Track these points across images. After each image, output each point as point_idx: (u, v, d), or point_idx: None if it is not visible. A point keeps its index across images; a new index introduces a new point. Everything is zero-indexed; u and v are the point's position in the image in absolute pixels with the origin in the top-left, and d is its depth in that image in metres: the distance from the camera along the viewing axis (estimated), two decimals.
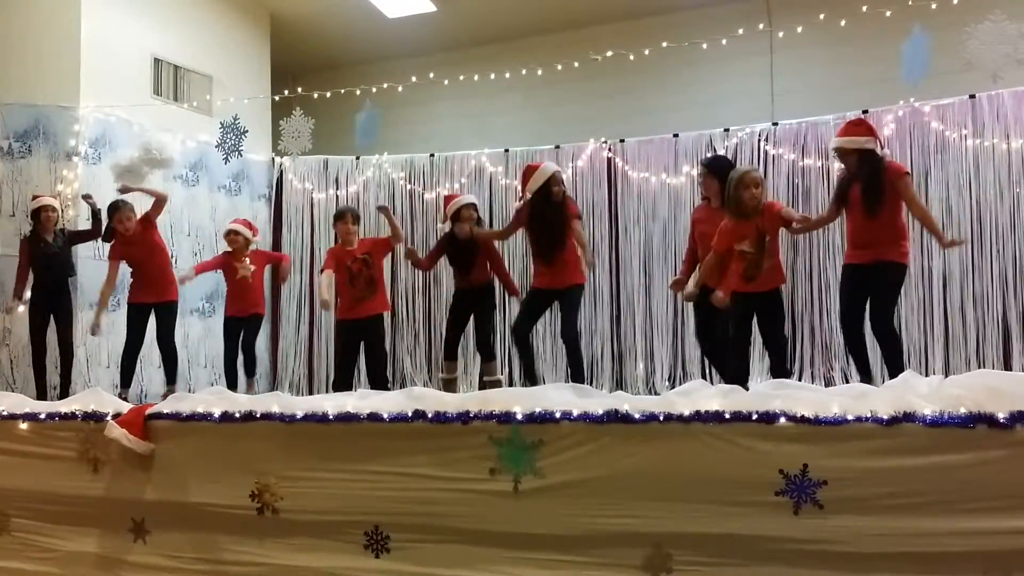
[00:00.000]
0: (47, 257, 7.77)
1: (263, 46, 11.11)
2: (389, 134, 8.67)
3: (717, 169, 6.43)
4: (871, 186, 5.68)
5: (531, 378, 6.90)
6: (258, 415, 4.33)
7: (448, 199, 7.63)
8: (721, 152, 9.44)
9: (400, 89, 9.37)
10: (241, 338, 8.04)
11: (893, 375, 5.13)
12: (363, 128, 8.27)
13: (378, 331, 7.23)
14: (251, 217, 10.39)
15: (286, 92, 9.71)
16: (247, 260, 8.05)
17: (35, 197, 8.04)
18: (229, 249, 8.14)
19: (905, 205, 5.79)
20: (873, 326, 5.81)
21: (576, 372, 6.63)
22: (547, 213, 6.57)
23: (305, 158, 10.08)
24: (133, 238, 7.64)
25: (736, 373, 5.68)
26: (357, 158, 10.84)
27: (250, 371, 8.23)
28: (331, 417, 4.14)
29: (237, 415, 4.37)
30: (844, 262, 6.13)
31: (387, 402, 4.14)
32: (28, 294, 7.87)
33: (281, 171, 11.04)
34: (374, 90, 9.06)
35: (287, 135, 8.53)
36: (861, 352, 5.92)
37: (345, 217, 7.32)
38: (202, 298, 9.87)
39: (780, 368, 5.72)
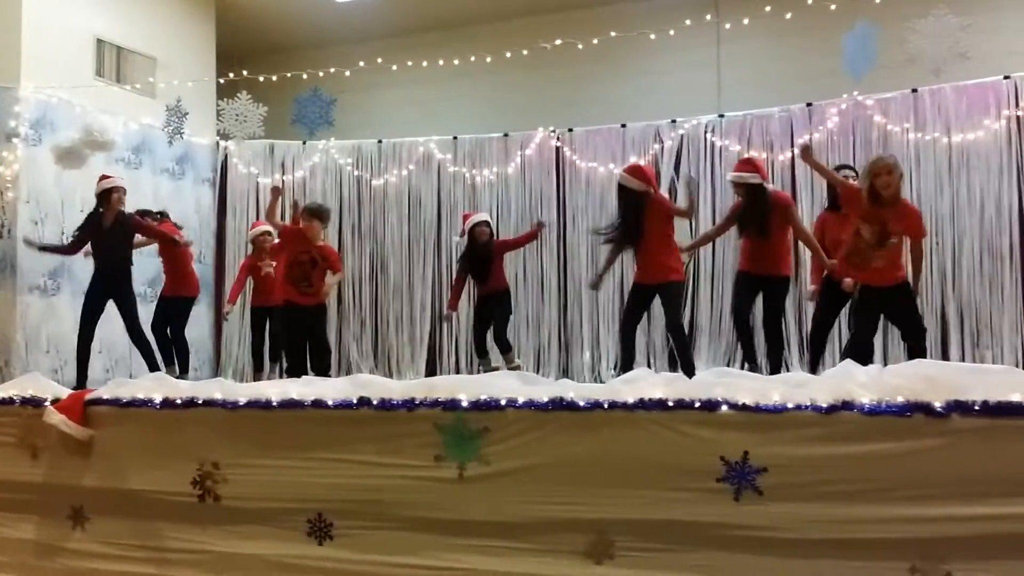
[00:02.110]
0: (103, 242, 7.56)
1: (208, 28, 10.93)
2: (337, 120, 8.58)
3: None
4: (756, 215, 6.58)
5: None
6: (200, 401, 4.28)
7: (466, 217, 8.38)
8: (668, 143, 9.53)
9: (348, 74, 9.30)
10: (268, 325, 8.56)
11: (774, 370, 6.38)
12: (309, 112, 8.20)
13: (320, 321, 7.53)
14: (195, 201, 10.27)
15: (231, 75, 9.58)
16: (267, 258, 8.43)
17: (102, 177, 7.76)
18: (251, 251, 8.66)
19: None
20: (765, 325, 6.79)
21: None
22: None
23: (251, 142, 9.96)
24: None
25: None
26: (304, 143, 10.73)
27: (274, 357, 8.75)
28: (274, 404, 4.11)
29: (178, 401, 4.32)
30: (739, 268, 6.93)
31: (332, 389, 4.11)
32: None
33: (226, 155, 10.89)
34: (321, 75, 8.99)
35: (228, 117, 8.43)
36: (749, 340, 6.82)
37: (323, 217, 7.48)
38: (144, 283, 9.52)
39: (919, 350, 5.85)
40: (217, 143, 10.79)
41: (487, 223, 8.17)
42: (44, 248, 7.94)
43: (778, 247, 6.65)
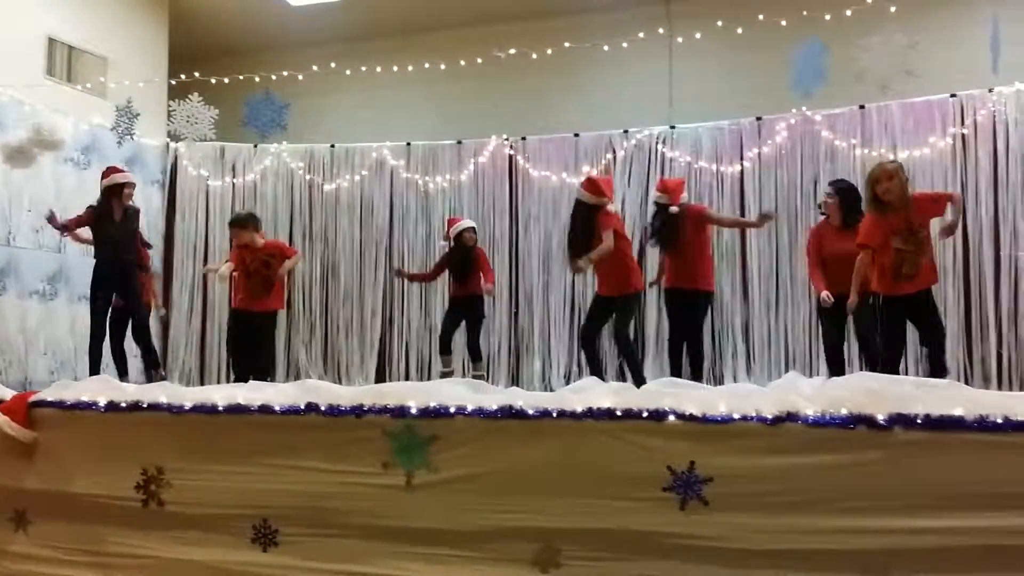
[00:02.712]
0: (112, 237, 7.42)
1: (161, 29, 10.82)
2: (289, 123, 8.53)
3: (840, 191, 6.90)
4: (666, 234, 7.10)
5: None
6: (145, 405, 4.21)
7: (451, 221, 8.67)
8: (620, 153, 9.60)
9: (301, 78, 9.24)
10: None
11: (696, 377, 6.70)
12: (261, 115, 8.15)
13: (268, 326, 7.71)
14: (143, 203, 10.14)
15: (183, 76, 9.47)
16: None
17: (112, 171, 7.62)
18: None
19: (719, 228, 7.27)
20: (688, 341, 7.16)
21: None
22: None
23: (201, 144, 9.86)
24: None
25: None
26: (255, 146, 10.64)
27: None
28: (220, 408, 4.06)
29: (123, 405, 4.24)
30: (665, 286, 7.29)
31: (279, 394, 4.07)
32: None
33: (176, 157, 10.75)
34: (274, 78, 8.93)
35: (179, 118, 8.35)
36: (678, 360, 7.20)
37: (246, 224, 7.61)
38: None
39: (940, 361, 5.78)
40: (167, 145, 10.66)
41: (474, 229, 8.47)
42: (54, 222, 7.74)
43: (700, 262, 7.09)
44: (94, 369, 7.27)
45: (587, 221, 6.73)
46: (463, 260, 8.38)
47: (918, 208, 5.61)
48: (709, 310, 7.79)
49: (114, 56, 10.08)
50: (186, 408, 4.13)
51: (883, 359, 5.85)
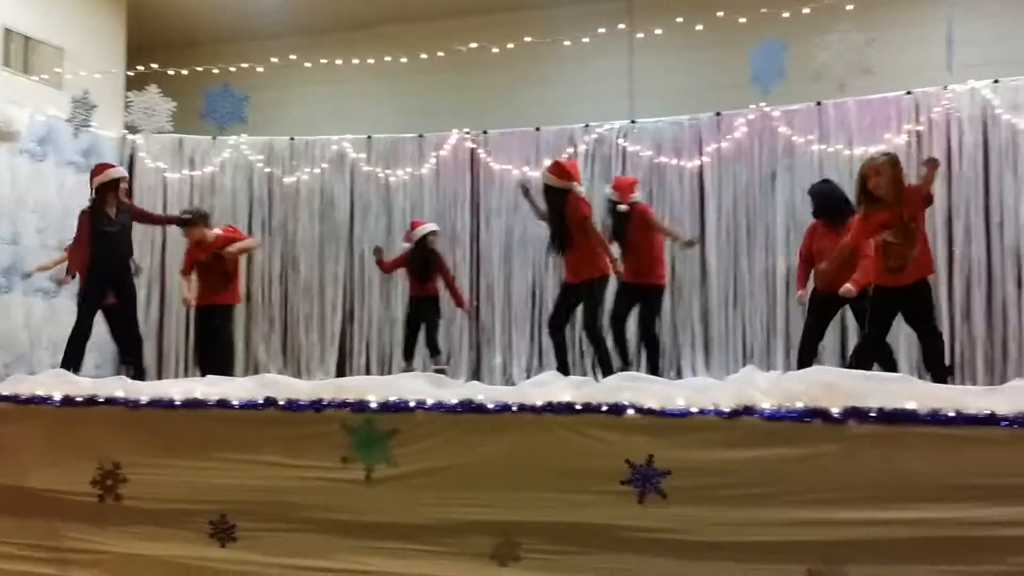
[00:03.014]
0: (109, 234, 7.19)
1: (118, 19, 10.64)
2: (249, 116, 8.43)
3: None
4: (614, 231, 7.31)
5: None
6: (101, 400, 4.18)
7: (414, 224, 8.79)
8: (581, 147, 9.62)
9: (260, 70, 9.15)
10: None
11: (652, 372, 6.86)
12: (220, 107, 8.08)
13: (225, 321, 7.73)
14: None
15: (140, 68, 9.34)
16: None
17: (103, 167, 7.41)
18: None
19: (658, 234, 7.35)
20: (642, 333, 7.43)
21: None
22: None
23: (159, 136, 9.73)
24: None
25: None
26: (214, 139, 10.52)
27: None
28: (178, 403, 4.03)
29: (79, 399, 4.21)
30: (623, 280, 7.27)
31: (237, 388, 4.06)
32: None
33: (133, 149, 10.61)
34: (233, 70, 8.83)
35: (136, 110, 8.24)
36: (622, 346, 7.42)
37: (195, 221, 7.67)
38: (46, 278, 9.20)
39: (940, 361, 5.67)
40: (124, 136, 10.51)
41: (437, 233, 8.68)
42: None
43: (645, 257, 7.24)
44: (73, 368, 7.07)
45: (557, 206, 6.75)
46: (424, 262, 8.51)
47: (909, 201, 5.53)
48: (661, 304, 7.89)
49: (70, 47, 9.90)
50: (143, 403, 4.10)
51: (861, 340, 5.95)
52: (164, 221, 8.49)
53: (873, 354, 5.81)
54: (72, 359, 7.04)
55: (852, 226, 5.79)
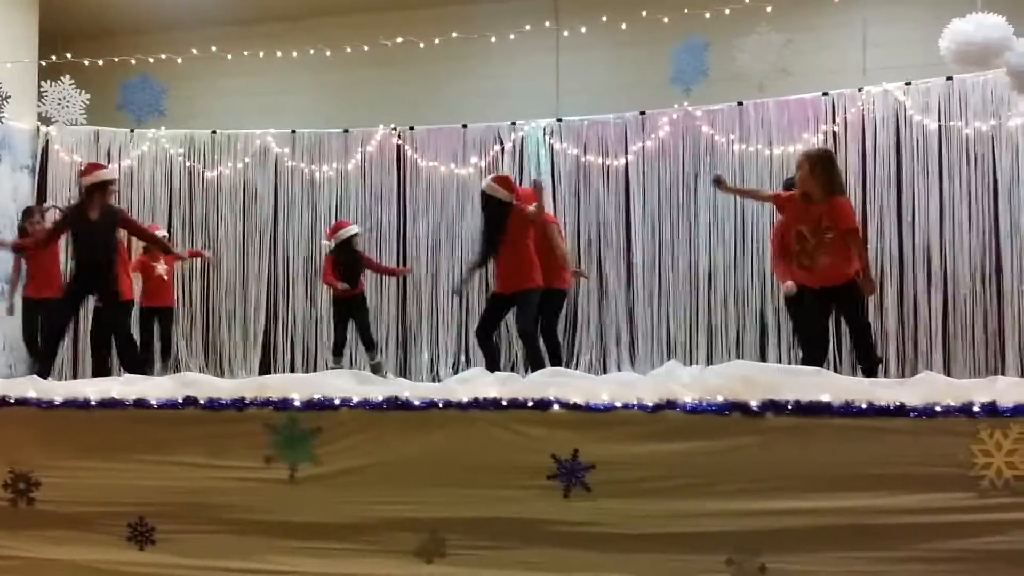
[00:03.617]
0: (86, 236, 7.10)
1: (30, 8, 10.29)
2: (168, 108, 8.28)
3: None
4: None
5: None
6: (12, 400, 4.04)
7: (338, 226, 8.89)
8: (508, 145, 9.64)
9: (180, 61, 8.99)
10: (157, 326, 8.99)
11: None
12: (137, 98, 7.91)
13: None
14: (12, 189, 9.79)
15: (54, 58, 9.08)
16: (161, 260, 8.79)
17: (95, 167, 7.28)
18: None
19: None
20: (546, 337, 7.27)
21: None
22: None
23: (74, 128, 9.48)
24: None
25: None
26: (132, 131, 10.28)
27: (165, 355, 9.10)
28: (93, 403, 3.93)
29: None
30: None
31: (156, 388, 3.97)
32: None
33: (47, 141, 10.31)
34: (151, 60, 8.66)
35: (50, 100, 8.02)
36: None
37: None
38: (2, 280, 9.42)
39: (870, 356, 5.79)
40: (38, 128, 10.20)
41: (359, 234, 8.88)
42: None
43: (523, 261, 6.91)
44: (44, 370, 6.84)
45: (500, 218, 6.75)
46: (351, 265, 8.65)
47: (831, 211, 5.63)
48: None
49: None
50: (56, 403, 3.99)
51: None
52: (152, 241, 8.09)
53: (803, 346, 5.96)
54: (44, 362, 7.04)
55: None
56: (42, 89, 8.08)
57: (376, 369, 8.40)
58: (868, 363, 5.76)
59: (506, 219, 6.75)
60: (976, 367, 8.16)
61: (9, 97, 7.67)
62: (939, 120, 8.44)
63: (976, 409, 3.27)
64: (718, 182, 6.45)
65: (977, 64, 7.43)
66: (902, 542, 3.29)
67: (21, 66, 9.42)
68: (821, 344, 5.95)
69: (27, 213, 8.55)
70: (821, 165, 5.73)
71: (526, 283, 6.77)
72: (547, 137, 9.69)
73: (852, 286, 5.72)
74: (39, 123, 10.03)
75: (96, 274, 7.08)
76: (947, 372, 7.72)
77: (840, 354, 8.37)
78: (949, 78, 8.34)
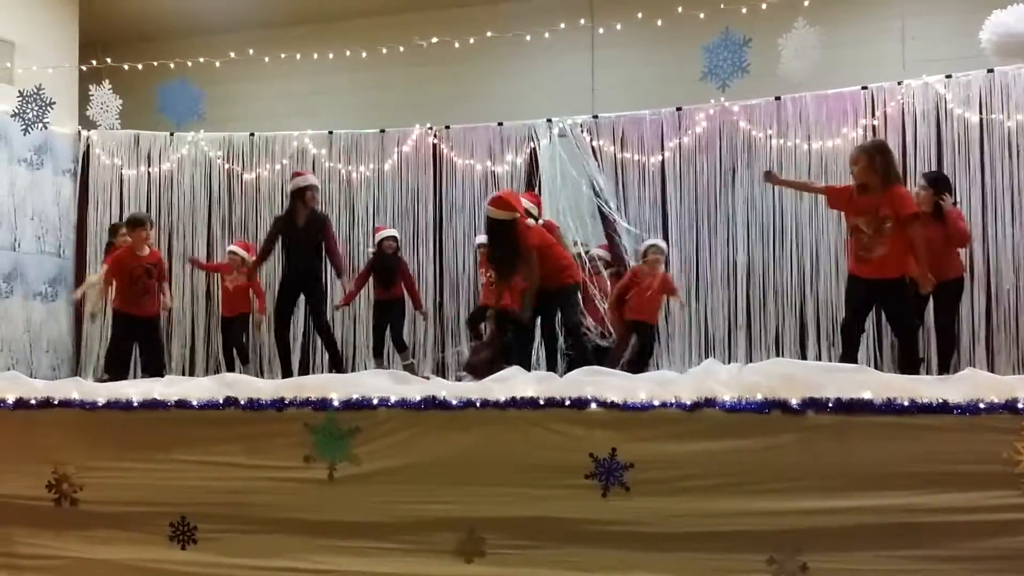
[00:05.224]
0: (300, 240, 7.66)
1: (71, 13, 10.45)
2: (207, 111, 8.34)
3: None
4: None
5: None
6: (56, 402, 4.11)
7: (377, 230, 9.04)
8: (545, 142, 9.61)
9: (218, 65, 9.06)
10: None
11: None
12: (176, 102, 7.99)
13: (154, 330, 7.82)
14: (55, 194, 9.95)
15: (94, 63, 9.20)
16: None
17: (294, 175, 7.92)
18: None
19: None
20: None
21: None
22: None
23: (114, 132, 9.60)
24: None
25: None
26: (171, 134, 10.39)
27: (243, 359, 9.50)
28: (135, 404, 3.98)
29: (33, 401, 4.14)
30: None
31: (197, 388, 4.01)
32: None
33: (88, 145, 10.44)
34: (190, 64, 8.74)
35: (96, 103, 8.12)
36: None
37: (144, 225, 7.65)
38: (44, 282, 9.77)
39: (909, 358, 5.65)
40: (79, 132, 10.35)
41: (394, 238, 8.86)
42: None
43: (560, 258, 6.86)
44: (285, 364, 8.07)
45: (505, 237, 6.70)
46: (385, 268, 8.76)
47: (891, 200, 5.52)
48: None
49: (22, 41, 9.73)
50: (99, 404, 4.05)
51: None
52: (334, 261, 7.99)
53: (844, 338, 5.82)
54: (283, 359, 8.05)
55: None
56: (89, 93, 8.16)
57: (409, 370, 8.40)
58: (906, 368, 5.54)
59: (515, 235, 6.64)
60: (1020, 363, 8.01)
61: (54, 103, 7.76)
62: (980, 113, 8.30)
63: (1021, 406, 3.22)
64: (769, 176, 6.43)
65: (1018, 56, 7.29)
66: (945, 541, 3.25)
67: (62, 72, 9.57)
68: (851, 333, 5.83)
69: (113, 230, 8.86)
70: (881, 156, 5.63)
71: (565, 279, 6.76)
72: (583, 134, 9.62)
73: (902, 285, 5.60)
74: (80, 127, 10.18)
75: (305, 279, 7.71)
76: (990, 368, 7.59)
77: (880, 351, 8.26)
78: (990, 70, 8.20)
